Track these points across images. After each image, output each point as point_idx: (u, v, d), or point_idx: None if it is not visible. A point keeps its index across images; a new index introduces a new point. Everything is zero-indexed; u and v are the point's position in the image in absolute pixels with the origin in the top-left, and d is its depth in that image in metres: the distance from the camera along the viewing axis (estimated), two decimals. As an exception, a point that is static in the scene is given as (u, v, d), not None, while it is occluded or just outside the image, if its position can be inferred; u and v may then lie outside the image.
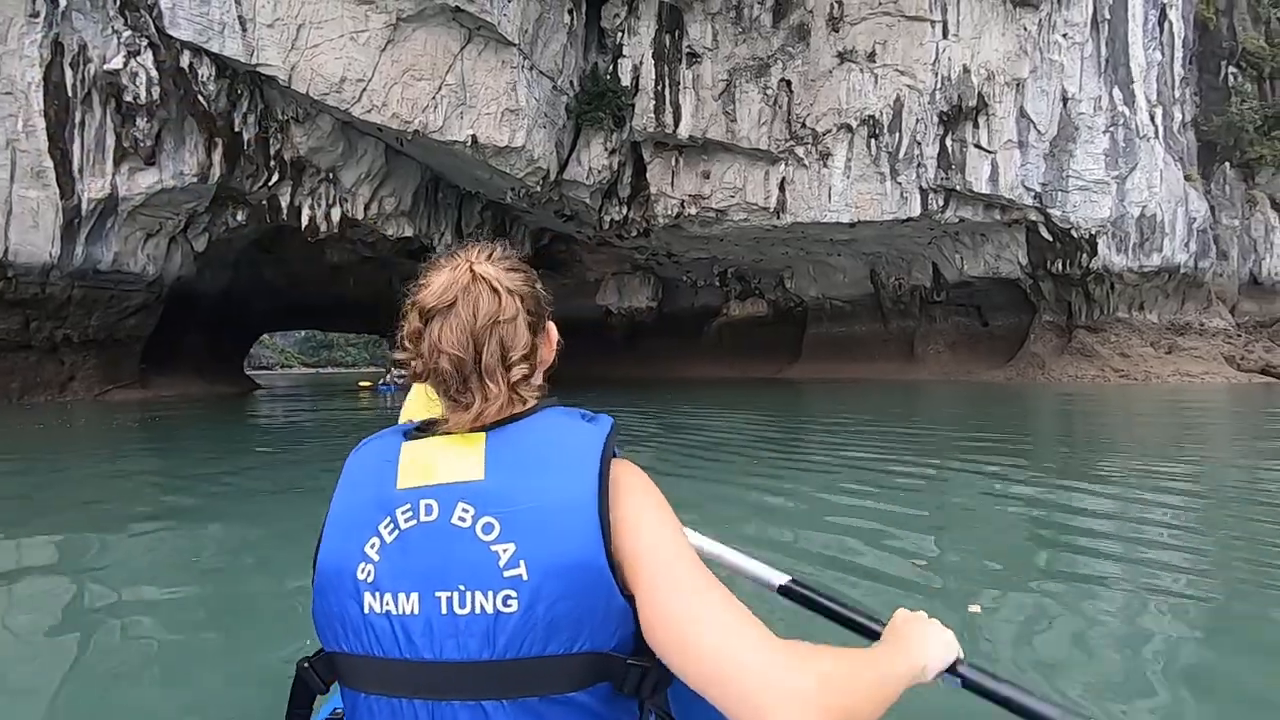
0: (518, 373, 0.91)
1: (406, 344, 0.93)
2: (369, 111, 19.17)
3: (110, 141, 17.60)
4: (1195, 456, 7.49)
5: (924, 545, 3.91)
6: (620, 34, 24.87)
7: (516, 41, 20.49)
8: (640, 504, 0.86)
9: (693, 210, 26.44)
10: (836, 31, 25.21)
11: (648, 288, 35.61)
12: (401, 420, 1.13)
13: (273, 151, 19.86)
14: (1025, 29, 24.90)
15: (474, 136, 20.53)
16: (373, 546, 0.86)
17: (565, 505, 0.83)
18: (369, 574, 0.84)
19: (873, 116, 25.19)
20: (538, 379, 0.97)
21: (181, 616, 2.88)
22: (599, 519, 0.82)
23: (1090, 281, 26.70)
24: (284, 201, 20.86)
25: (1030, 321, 29.53)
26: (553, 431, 0.89)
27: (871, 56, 25.08)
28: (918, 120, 25.03)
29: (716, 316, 37.09)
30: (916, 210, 25.66)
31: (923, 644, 0.91)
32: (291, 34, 17.97)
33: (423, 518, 0.85)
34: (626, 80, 24.80)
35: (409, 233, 24.33)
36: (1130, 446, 8.42)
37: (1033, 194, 25.34)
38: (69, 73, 16.99)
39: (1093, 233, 25.59)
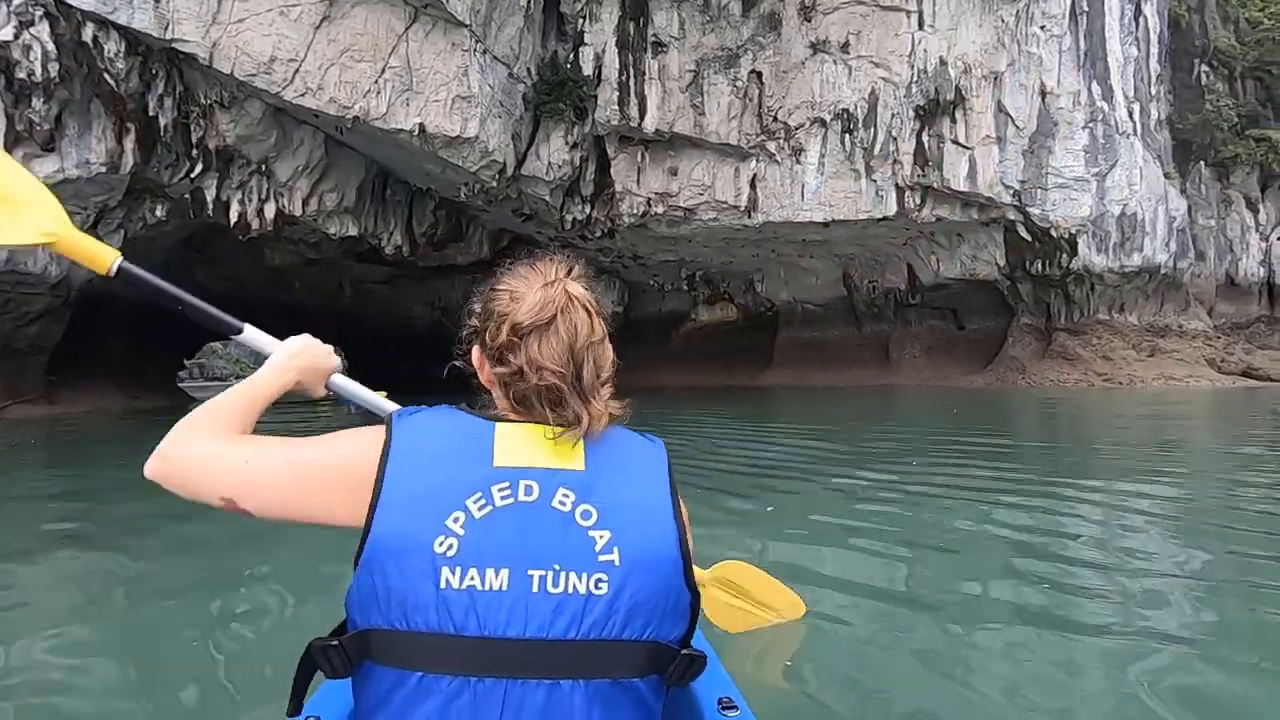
0: (607, 391, 0.97)
1: (507, 356, 0.94)
2: (302, 95, 17.35)
3: (0, 124, 15.51)
4: None
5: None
6: (581, 20, 23.36)
7: (468, 22, 18.86)
8: None
9: (659, 209, 25.00)
10: (809, 21, 24.07)
11: (613, 292, 33.92)
12: None
13: (195, 139, 17.85)
14: (1003, 20, 24.00)
15: (421, 125, 18.83)
16: (456, 520, 0.85)
17: (652, 505, 0.91)
18: (450, 548, 0.83)
19: (847, 110, 24.07)
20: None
21: None
22: (675, 522, 0.91)
23: (1070, 282, 25.85)
24: (209, 195, 18.85)
25: (1008, 324, 28.63)
26: (632, 444, 0.98)
27: (845, 48, 23.99)
28: (893, 115, 23.98)
29: (684, 322, 35.60)
30: (893, 209, 24.58)
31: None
32: (212, 7, 16.08)
33: (521, 497, 0.87)
34: (588, 70, 23.26)
35: (354, 232, 22.44)
36: None
37: (1011, 191, 24.40)
38: (-51, 44, 14.87)
39: (1073, 232, 24.73)
